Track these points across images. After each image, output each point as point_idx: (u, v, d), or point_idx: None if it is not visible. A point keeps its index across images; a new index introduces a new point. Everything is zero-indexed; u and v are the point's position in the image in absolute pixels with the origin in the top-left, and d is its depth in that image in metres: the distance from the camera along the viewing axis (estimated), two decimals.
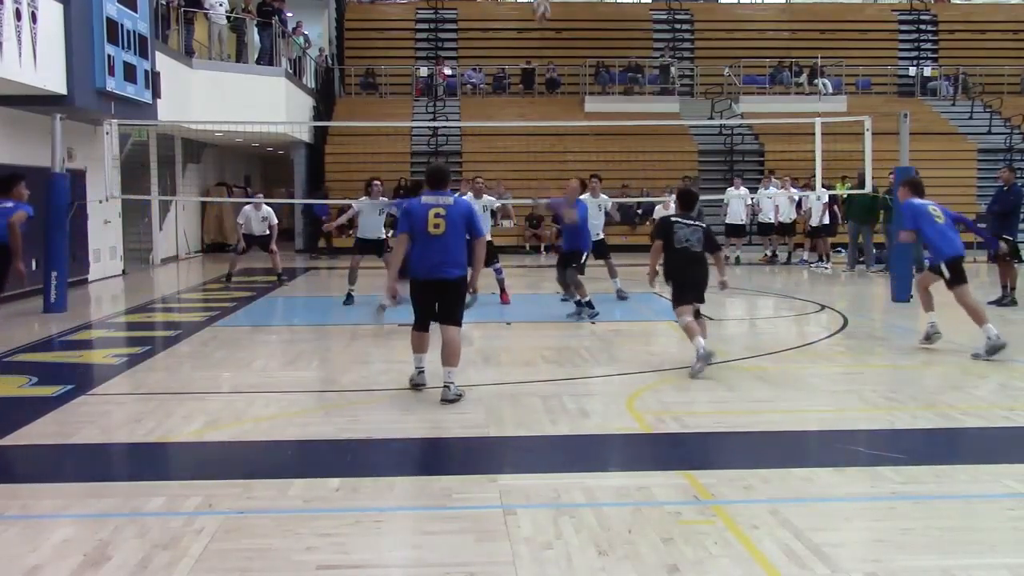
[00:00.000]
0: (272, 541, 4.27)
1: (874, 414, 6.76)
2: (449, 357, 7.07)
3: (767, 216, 20.15)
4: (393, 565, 4.06)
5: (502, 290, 12.76)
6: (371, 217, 13.03)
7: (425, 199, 7.06)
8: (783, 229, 20.13)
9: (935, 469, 5.34)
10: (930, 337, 9.47)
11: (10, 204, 9.77)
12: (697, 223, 8.44)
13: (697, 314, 8.34)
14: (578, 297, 11.36)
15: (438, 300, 7.09)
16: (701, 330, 8.22)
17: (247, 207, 15.98)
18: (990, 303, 12.55)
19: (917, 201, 9.49)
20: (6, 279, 9.87)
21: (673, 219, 8.47)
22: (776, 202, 19.87)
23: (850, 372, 8.32)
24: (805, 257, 19.49)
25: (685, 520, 4.51)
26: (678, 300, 8.37)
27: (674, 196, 17.24)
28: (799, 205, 21.72)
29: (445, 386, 7.04)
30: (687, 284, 8.35)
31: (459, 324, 7.16)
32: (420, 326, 7.26)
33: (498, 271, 12.62)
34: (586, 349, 9.35)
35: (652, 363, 8.58)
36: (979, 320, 9.07)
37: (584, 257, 11.59)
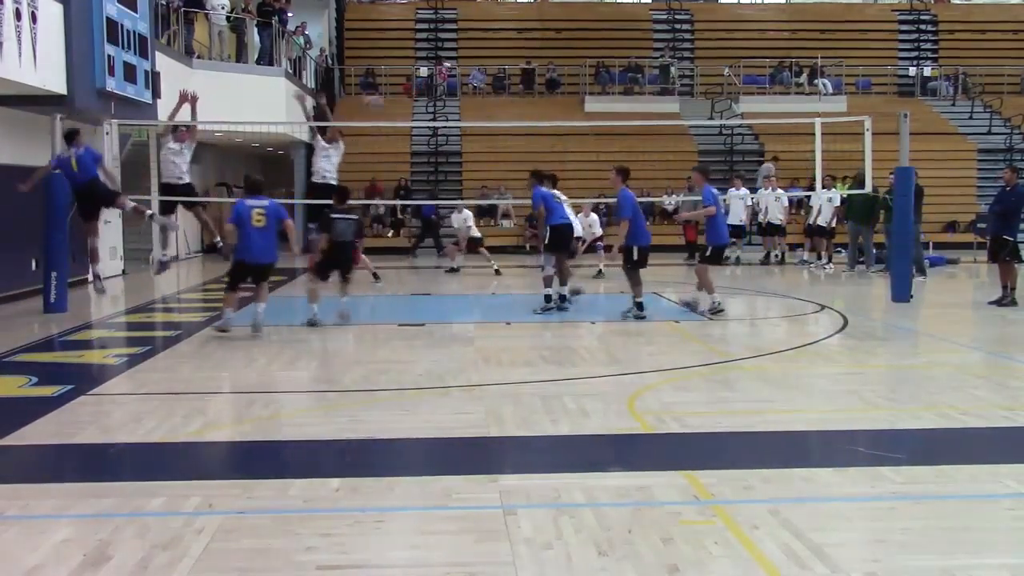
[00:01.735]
0: (272, 541, 4.27)
1: (874, 414, 6.76)
2: (263, 298, 10.20)
3: (764, 217, 20.21)
4: (393, 565, 4.06)
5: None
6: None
7: (249, 202, 10.07)
8: (771, 229, 20.11)
9: (935, 469, 5.35)
10: (702, 307, 11.66)
11: (82, 150, 11.79)
12: (351, 216, 10.90)
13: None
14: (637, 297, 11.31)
15: (256, 273, 10.17)
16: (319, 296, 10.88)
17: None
18: (990, 303, 12.56)
19: (715, 189, 11.65)
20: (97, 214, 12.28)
21: (334, 216, 10.72)
22: (764, 203, 19.95)
23: (850, 372, 8.32)
24: (805, 257, 19.49)
25: (685, 520, 4.51)
26: (322, 275, 10.87)
27: (679, 196, 17.43)
28: (799, 204, 21.82)
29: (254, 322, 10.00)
30: (337, 265, 10.85)
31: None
32: (234, 289, 10.24)
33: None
34: (586, 349, 9.35)
35: (652, 363, 8.58)
36: (710, 290, 11.58)
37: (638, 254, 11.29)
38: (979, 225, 20.53)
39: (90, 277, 12.48)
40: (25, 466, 5.73)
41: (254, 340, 10.15)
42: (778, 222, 19.97)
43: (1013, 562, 4.04)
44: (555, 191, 12.51)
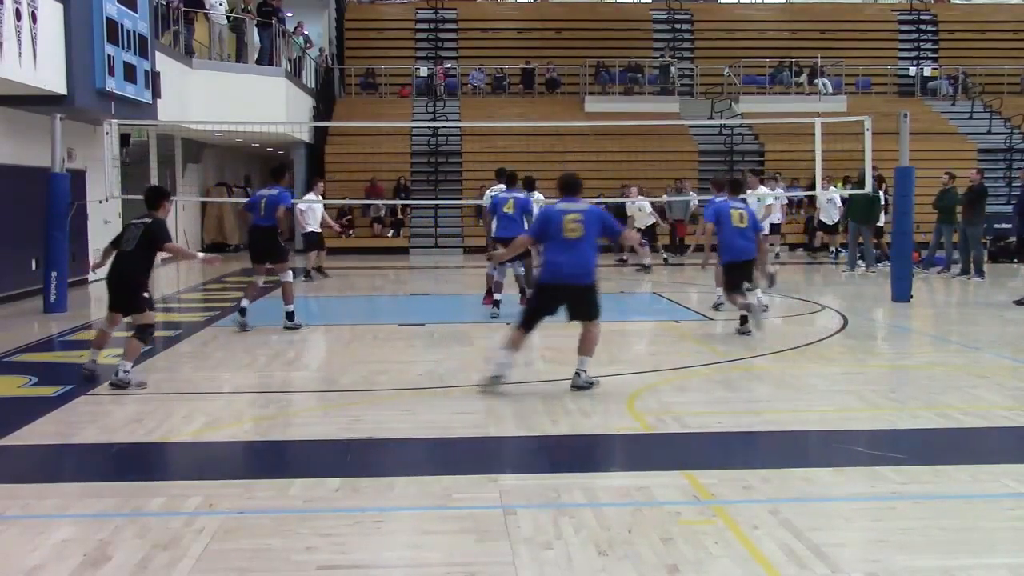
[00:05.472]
0: (272, 541, 4.27)
1: (874, 414, 6.76)
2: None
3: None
4: (393, 565, 4.06)
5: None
6: None
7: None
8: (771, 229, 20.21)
9: (935, 469, 5.34)
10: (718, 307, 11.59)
11: (275, 191, 10.82)
12: (143, 220, 7.81)
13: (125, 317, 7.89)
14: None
15: None
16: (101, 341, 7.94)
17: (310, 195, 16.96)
18: (1015, 302, 12.55)
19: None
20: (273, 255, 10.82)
21: (130, 221, 8.04)
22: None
23: (850, 372, 8.32)
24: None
25: (685, 520, 4.51)
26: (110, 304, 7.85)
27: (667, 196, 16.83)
28: (798, 204, 21.94)
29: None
30: (108, 286, 7.76)
31: None
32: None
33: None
34: None
35: (652, 363, 8.57)
36: (719, 283, 11.03)
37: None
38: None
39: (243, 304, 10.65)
40: (25, 466, 5.73)
41: (254, 340, 10.15)
42: (777, 221, 20.05)
43: (1013, 562, 4.04)
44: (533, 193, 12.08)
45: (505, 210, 11.35)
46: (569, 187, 7.43)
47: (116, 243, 7.80)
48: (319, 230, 16.73)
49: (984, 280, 15.74)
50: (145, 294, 7.79)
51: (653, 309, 12.69)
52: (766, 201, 17.68)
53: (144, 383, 7.58)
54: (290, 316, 10.63)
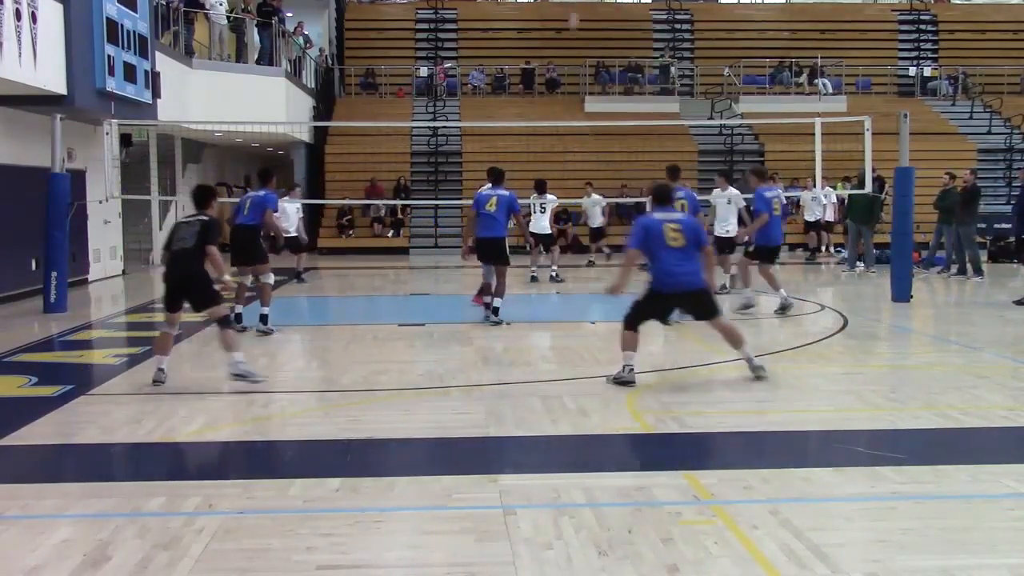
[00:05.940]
0: (272, 541, 4.27)
1: (874, 414, 6.76)
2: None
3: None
4: (393, 565, 4.06)
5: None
6: None
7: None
8: None
9: (935, 469, 5.34)
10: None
11: (262, 193, 10.79)
12: (199, 217, 7.76)
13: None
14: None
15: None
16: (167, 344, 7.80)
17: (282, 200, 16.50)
18: (1015, 302, 12.55)
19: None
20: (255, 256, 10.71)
21: (178, 221, 8.04)
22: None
23: (850, 372, 8.32)
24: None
25: (685, 520, 4.51)
26: (168, 305, 7.77)
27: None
28: (797, 205, 22.02)
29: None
30: (167, 286, 7.69)
31: None
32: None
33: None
34: (586, 349, 9.34)
35: (652, 363, 8.57)
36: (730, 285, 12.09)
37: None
38: (979, 225, 20.55)
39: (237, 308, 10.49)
40: (25, 466, 5.73)
41: (254, 340, 10.14)
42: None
43: (1013, 562, 4.04)
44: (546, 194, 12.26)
45: (487, 208, 11.02)
46: (662, 197, 7.95)
47: (168, 246, 7.78)
48: (295, 234, 16.46)
49: (984, 280, 15.75)
50: (216, 286, 7.81)
51: None
52: (739, 203, 17.74)
53: (265, 378, 7.70)
54: (263, 319, 10.42)
